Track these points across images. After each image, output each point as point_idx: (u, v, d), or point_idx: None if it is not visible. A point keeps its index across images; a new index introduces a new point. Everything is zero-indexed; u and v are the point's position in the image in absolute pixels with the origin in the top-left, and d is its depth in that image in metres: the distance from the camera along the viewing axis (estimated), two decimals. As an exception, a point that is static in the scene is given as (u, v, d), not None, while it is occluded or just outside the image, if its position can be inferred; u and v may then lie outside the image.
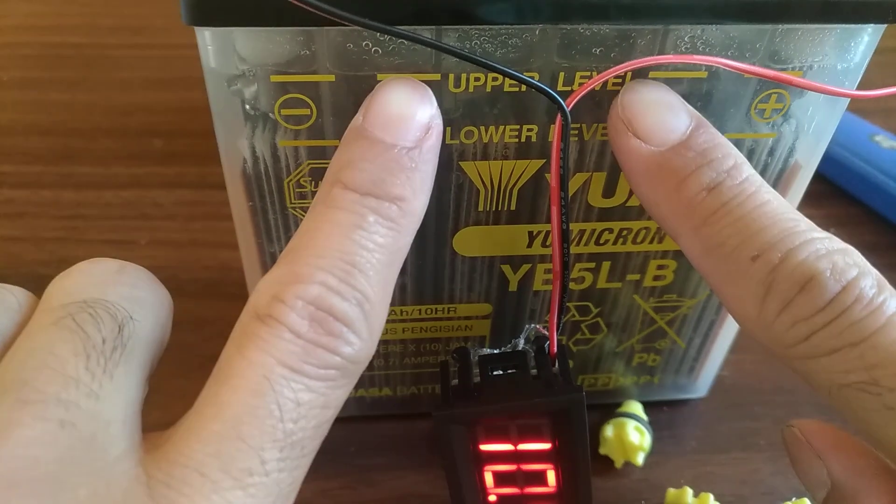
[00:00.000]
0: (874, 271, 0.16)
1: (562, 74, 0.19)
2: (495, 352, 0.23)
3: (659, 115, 0.18)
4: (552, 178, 0.18)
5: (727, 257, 0.17)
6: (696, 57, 0.18)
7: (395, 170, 0.17)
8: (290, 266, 0.16)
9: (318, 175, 0.20)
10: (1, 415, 0.13)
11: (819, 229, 0.17)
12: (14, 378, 0.14)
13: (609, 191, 0.22)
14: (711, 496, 0.26)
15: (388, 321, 0.25)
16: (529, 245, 0.23)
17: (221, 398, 0.15)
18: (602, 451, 0.28)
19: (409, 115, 0.17)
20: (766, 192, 0.17)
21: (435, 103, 0.17)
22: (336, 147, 0.20)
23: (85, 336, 0.15)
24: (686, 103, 0.18)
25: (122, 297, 0.16)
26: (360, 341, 0.16)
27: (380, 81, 0.18)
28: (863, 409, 0.16)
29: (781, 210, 0.17)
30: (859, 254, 0.17)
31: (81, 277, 0.16)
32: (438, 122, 0.17)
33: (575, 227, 0.23)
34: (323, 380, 0.15)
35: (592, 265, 0.24)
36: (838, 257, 0.16)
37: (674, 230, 0.18)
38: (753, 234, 0.17)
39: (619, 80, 0.19)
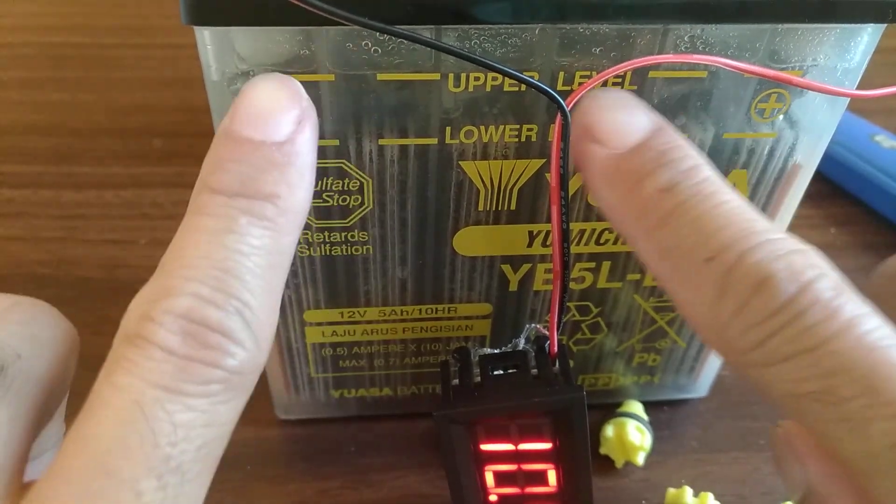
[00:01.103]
0: (834, 273, 0.15)
1: (562, 74, 0.19)
2: (496, 351, 0.23)
3: (618, 119, 0.17)
4: (552, 177, 0.18)
5: (681, 259, 0.16)
6: (696, 56, 0.18)
7: (265, 167, 0.15)
8: (158, 281, 0.15)
9: (317, 175, 0.20)
10: None
11: (779, 230, 0.16)
12: None
13: (609, 190, 0.22)
14: (711, 496, 0.26)
15: (388, 321, 0.25)
16: (529, 245, 0.23)
17: (86, 431, 0.13)
18: (602, 450, 0.28)
19: (276, 109, 0.16)
20: (726, 193, 0.16)
21: (305, 96, 0.16)
22: (336, 146, 0.20)
23: None
24: (648, 106, 0.18)
25: (9, 335, 0.15)
26: (243, 351, 0.14)
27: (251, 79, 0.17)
28: (819, 420, 0.14)
29: (740, 210, 0.16)
30: (820, 254, 0.16)
31: None
32: (312, 115, 0.16)
33: (575, 227, 0.23)
34: (204, 396, 0.14)
35: (593, 265, 0.24)
36: (796, 258, 0.15)
37: (630, 234, 0.18)
38: (709, 234, 0.16)
39: (619, 80, 0.19)
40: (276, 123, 0.16)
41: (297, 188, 0.16)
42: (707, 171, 0.17)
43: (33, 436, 0.15)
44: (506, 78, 0.19)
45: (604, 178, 0.17)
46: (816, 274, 0.15)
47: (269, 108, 0.16)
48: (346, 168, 0.20)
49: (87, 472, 0.13)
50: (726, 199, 0.16)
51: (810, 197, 0.23)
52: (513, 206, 0.22)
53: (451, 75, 0.18)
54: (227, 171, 0.15)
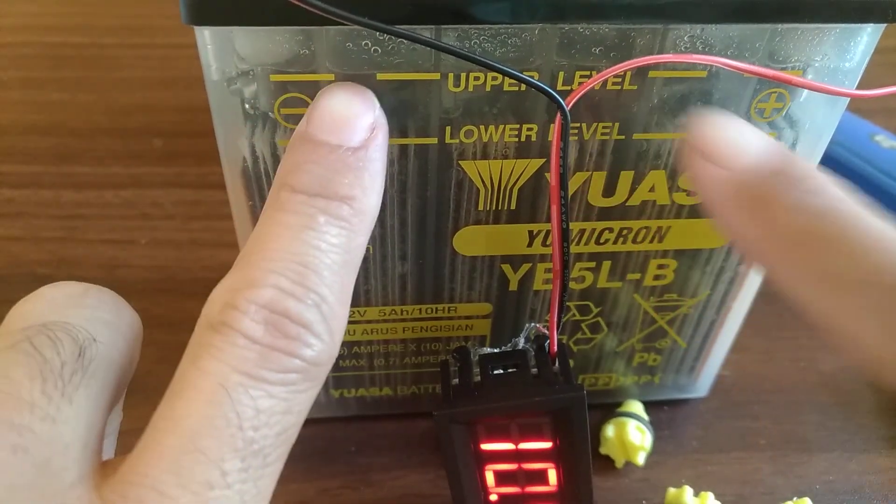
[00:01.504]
0: None
1: (561, 74, 0.19)
2: (495, 351, 0.23)
3: (731, 138, 0.17)
4: (552, 177, 0.18)
5: (834, 284, 0.15)
6: (695, 56, 0.18)
7: (342, 170, 0.16)
8: (241, 272, 0.15)
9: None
10: None
11: None
12: None
13: (609, 190, 0.22)
14: (711, 496, 0.26)
15: (388, 321, 0.25)
16: (529, 244, 0.23)
17: (176, 411, 0.14)
18: (603, 450, 0.28)
19: (351, 116, 0.17)
20: (860, 208, 0.15)
21: (377, 104, 0.17)
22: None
23: (42, 359, 0.14)
24: (757, 128, 0.18)
25: (85, 320, 0.15)
26: (320, 343, 0.15)
27: (322, 88, 0.18)
28: None
29: (884, 229, 0.15)
30: None
31: (43, 301, 0.16)
32: (383, 123, 0.17)
33: (575, 227, 0.23)
34: (283, 384, 0.15)
35: (593, 264, 0.24)
36: None
37: (766, 259, 0.17)
38: (862, 255, 0.15)
39: (619, 80, 0.19)
40: (351, 129, 0.17)
41: (369, 191, 0.17)
42: (836, 191, 0.16)
43: (107, 417, 0.16)
44: (506, 78, 0.19)
45: (726, 201, 0.17)
46: None
47: (345, 115, 0.17)
48: (346, 168, 0.20)
49: (177, 448, 0.14)
50: (864, 215, 0.15)
51: (810, 197, 0.23)
52: (513, 206, 0.22)
53: (451, 75, 0.18)
54: (306, 172, 0.16)
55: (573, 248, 0.24)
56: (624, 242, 0.24)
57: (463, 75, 0.18)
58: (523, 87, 0.19)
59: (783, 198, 0.16)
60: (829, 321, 0.16)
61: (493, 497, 0.23)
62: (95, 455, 0.15)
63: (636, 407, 0.29)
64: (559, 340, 0.22)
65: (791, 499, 0.27)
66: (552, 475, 0.22)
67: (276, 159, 0.20)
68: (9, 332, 0.15)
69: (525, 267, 0.24)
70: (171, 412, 0.14)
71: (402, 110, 0.19)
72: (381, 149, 0.17)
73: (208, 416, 0.14)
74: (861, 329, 0.15)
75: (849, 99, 0.20)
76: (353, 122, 0.17)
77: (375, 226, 0.22)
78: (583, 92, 0.18)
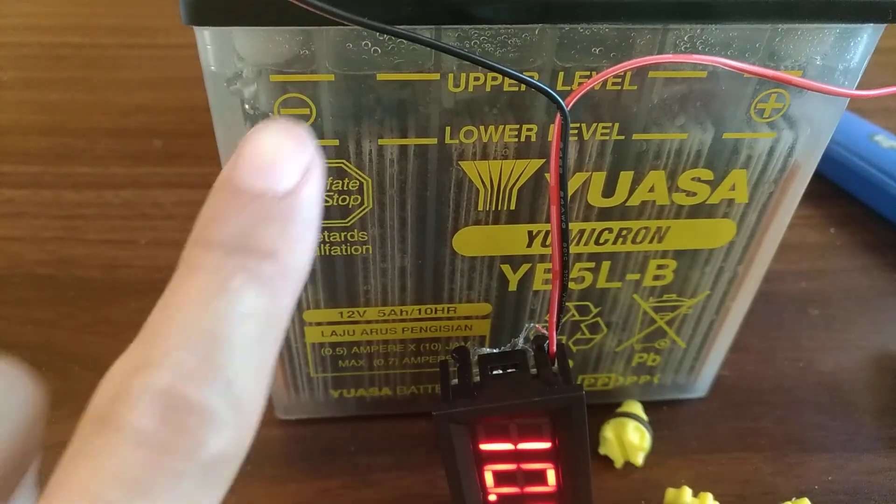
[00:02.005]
0: None
1: (561, 74, 0.19)
2: (495, 351, 0.23)
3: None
4: (552, 177, 0.18)
5: None
6: (695, 57, 0.18)
7: (264, 220, 0.14)
8: (139, 349, 0.13)
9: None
10: None
11: None
12: None
13: (608, 190, 0.22)
14: (711, 496, 0.26)
15: (387, 321, 0.25)
16: (529, 245, 0.23)
17: None
18: (602, 451, 0.28)
19: (279, 157, 0.14)
20: None
21: (311, 143, 0.15)
22: (336, 146, 0.20)
23: None
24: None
25: None
26: (223, 436, 0.13)
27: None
28: None
29: None
30: None
31: None
32: (318, 166, 0.15)
33: (574, 227, 0.23)
34: (177, 497, 0.12)
35: (592, 265, 0.24)
36: None
37: None
38: None
39: (619, 80, 0.19)
40: (278, 173, 0.14)
41: (298, 245, 0.14)
42: None
43: None
44: (505, 78, 0.19)
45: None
46: None
47: (272, 157, 0.14)
48: (345, 168, 0.20)
49: None
50: None
51: (810, 197, 0.23)
52: (512, 206, 0.22)
53: (451, 75, 0.18)
54: (223, 224, 0.14)
55: (573, 249, 0.24)
56: (623, 243, 0.24)
57: (463, 75, 0.18)
58: (523, 87, 0.19)
59: None
60: None
61: (493, 497, 0.23)
62: None
63: (635, 407, 0.29)
64: (558, 341, 0.22)
65: (790, 499, 0.27)
66: (551, 475, 0.22)
67: (276, 159, 0.20)
68: None
69: (524, 267, 0.24)
70: None
71: (402, 110, 0.19)
72: (316, 196, 0.15)
73: None
74: None
75: (849, 99, 0.20)
76: (281, 164, 0.14)
77: (375, 226, 0.22)
78: (583, 92, 0.18)
